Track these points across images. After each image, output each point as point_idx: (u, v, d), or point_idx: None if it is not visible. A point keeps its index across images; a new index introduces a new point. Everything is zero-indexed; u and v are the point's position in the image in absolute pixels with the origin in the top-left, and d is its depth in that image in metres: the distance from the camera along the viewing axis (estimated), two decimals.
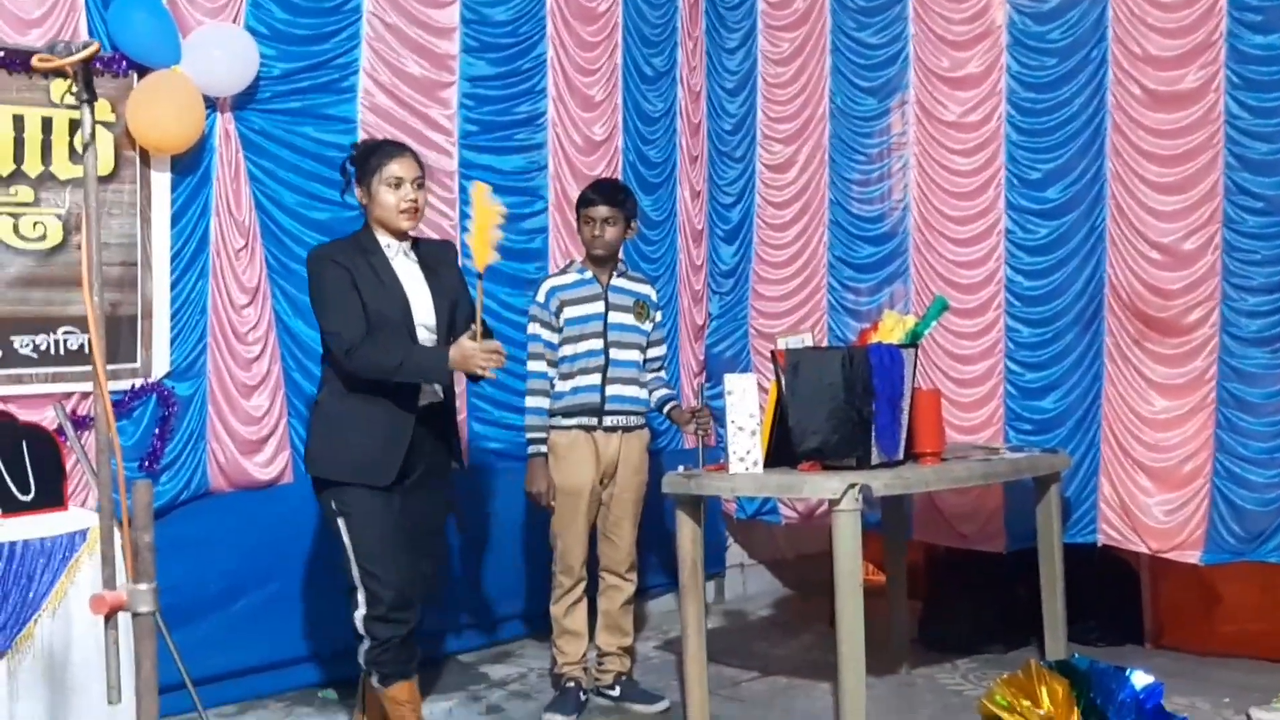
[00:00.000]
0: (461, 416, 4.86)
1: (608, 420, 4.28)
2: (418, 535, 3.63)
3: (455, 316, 3.63)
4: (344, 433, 3.52)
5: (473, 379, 3.56)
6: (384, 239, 3.59)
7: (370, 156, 3.59)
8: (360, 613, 3.50)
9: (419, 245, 3.69)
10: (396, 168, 3.54)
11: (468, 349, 3.38)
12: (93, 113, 2.26)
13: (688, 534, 4.01)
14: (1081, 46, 4.61)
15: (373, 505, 3.49)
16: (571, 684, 4.29)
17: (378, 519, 3.50)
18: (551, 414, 4.27)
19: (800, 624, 5.46)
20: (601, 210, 4.27)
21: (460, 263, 3.81)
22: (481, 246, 3.37)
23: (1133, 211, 4.48)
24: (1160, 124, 4.43)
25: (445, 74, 4.87)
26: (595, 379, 4.26)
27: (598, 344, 4.26)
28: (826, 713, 4.15)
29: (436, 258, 3.71)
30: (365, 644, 3.53)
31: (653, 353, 4.42)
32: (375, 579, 3.48)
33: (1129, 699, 3.10)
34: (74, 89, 2.25)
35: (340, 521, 3.52)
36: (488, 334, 3.42)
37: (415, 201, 3.56)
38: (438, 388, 3.61)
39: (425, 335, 3.59)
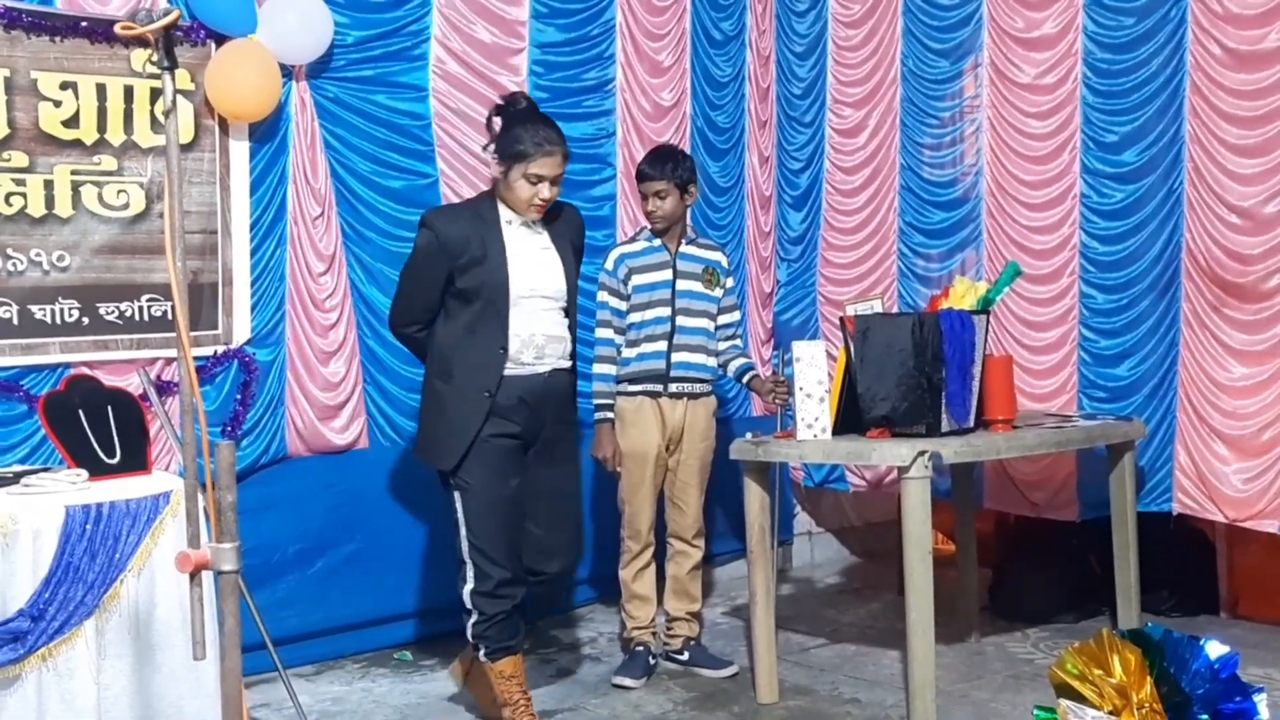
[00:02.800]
0: None
1: (673, 387, 4.30)
2: (549, 503, 3.70)
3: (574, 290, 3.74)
4: (438, 412, 3.63)
5: None
6: (506, 213, 3.61)
7: (521, 138, 3.55)
8: (468, 587, 3.56)
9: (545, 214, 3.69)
10: (541, 166, 3.53)
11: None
12: (174, 80, 2.30)
13: (756, 501, 4.02)
14: (1160, 5, 4.51)
15: (491, 479, 3.55)
16: (641, 648, 4.33)
17: (493, 493, 3.55)
18: (618, 380, 4.30)
19: (869, 591, 5.46)
20: (654, 184, 4.26)
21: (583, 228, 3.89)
22: None
23: (1211, 175, 4.39)
24: (1241, 85, 4.32)
25: (515, 40, 4.88)
26: (661, 346, 4.28)
27: (665, 311, 4.28)
28: (895, 679, 4.16)
29: (561, 225, 3.73)
30: (472, 618, 3.57)
31: (724, 319, 4.42)
32: (484, 555, 3.53)
33: (1203, 668, 3.05)
34: (155, 57, 2.29)
35: (455, 495, 3.58)
36: None
37: (547, 201, 3.58)
38: (565, 354, 3.71)
39: (546, 304, 3.64)
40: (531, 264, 3.62)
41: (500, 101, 3.72)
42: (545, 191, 3.55)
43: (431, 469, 3.70)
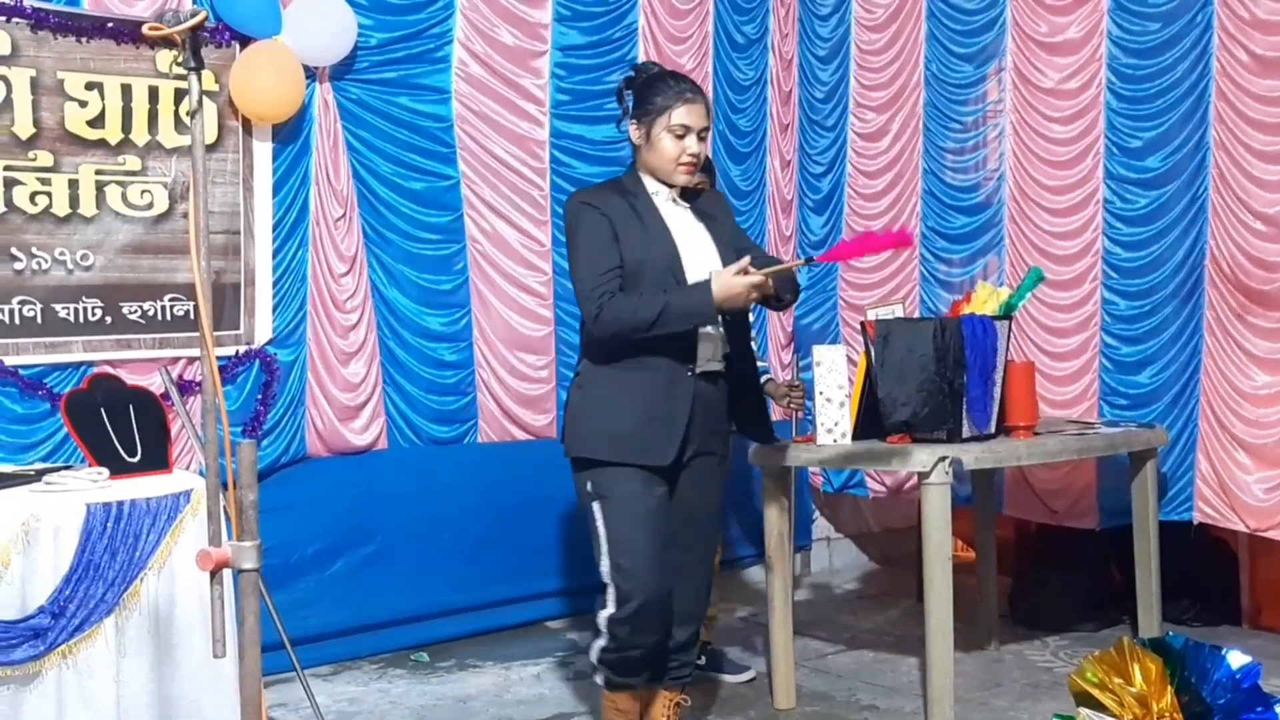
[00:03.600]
0: (551, 386, 4.93)
1: None
2: (690, 523, 3.25)
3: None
4: (608, 404, 3.14)
5: (765, 303, 3.21)
6: (651, 184, 3.22)
7: (656, 94, 3.17)
8: (606, 612, 3.14)
9: (687, 193, 3.30)
10: (685, 115, 3.13)
11: (728, 279, 2.99)
12: (200, 81, 2.31)
13: (775, 506, 4.01)
14: (1186, 10, 4.48)
15: (635, 489, 3.11)
16: None
17: (639, 505, 3.11)
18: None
19: (887, 598, 5.44)
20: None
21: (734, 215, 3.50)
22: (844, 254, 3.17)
23: (1236, 181, 4.36)
24: (1268, 90, 4.29)
25: (538, 43, 4.89)
26: None
27: None
28: (913, 686, 4.14)
29: (712, 205, 3.36)
30: (601, 641, 3.17)
31: None
32: (627, 575, 3.08)
33: (1225, 678, 3.03)
34: (181, 58, 2.30)
35: (595, 506, 3.14)
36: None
37: (697, 157, 3.18)
38: (717, 355, 3.22)
39: None
40: (690, 242, 3.21)
41: (629, 74, 3.32)
42: (693, 145, 3.15)
43: (575, 480, 3.24)
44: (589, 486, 3.16)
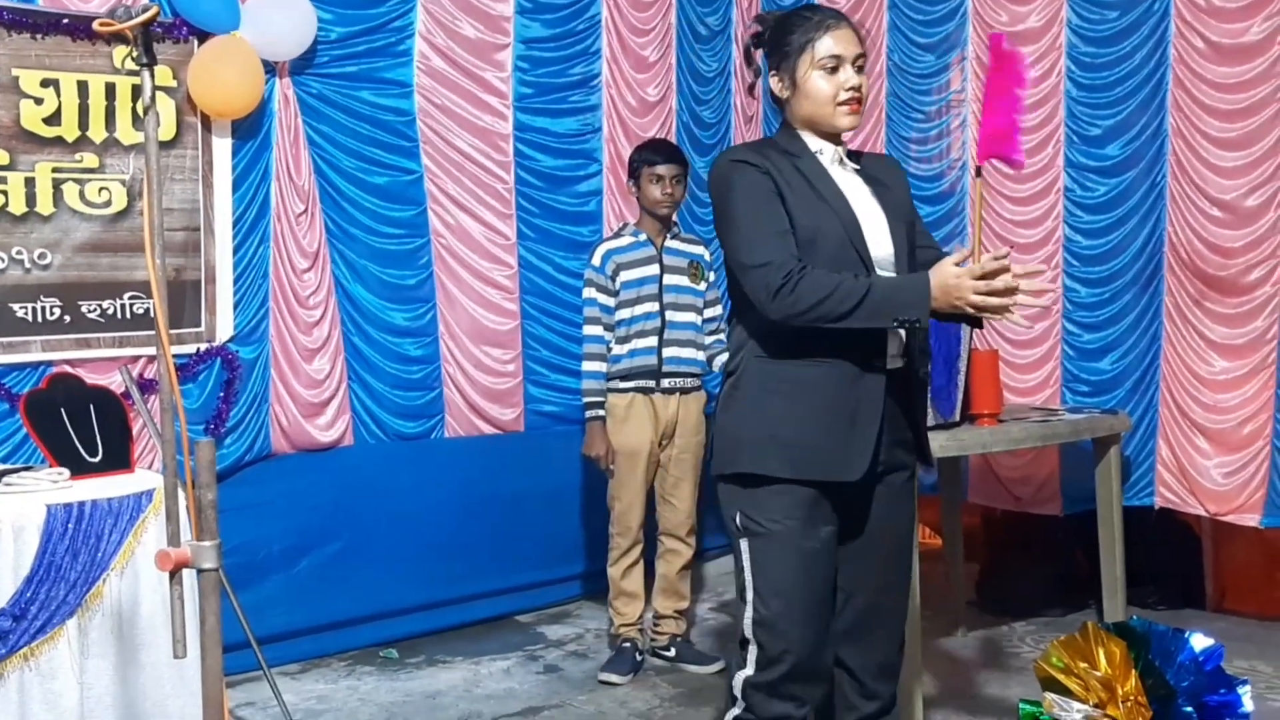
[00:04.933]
0: (518, 380, 4.92)
1: (665, 382, 4.30)
2: (878, 557, 2.66)
3: (913, 249, 2.69)
4: (777, 406, 2.53)
5: (970, 322, 2.65)
6: (814, 142, 2.64)
7: (791, 32, 2.61)
8: (743, 674, 2.56)
9: (854, 155, 2.73)
10: (832, 43, 2.56)
11: (951, 276, 2.39)
12: (153, 77, 2.28)
13: None
14: None
15: (797, 526, 2.52)
16: (628, 644, 4.33)
17: (801, 545, 2.52)
18: (609, 378, 4.29)
19: None
20: (669, 168, 4.27)
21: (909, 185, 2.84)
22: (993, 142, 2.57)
23: (1194, 168, 4.41)
24: (1223, 78, 4.34)
25: (500, 36, 4.87)
26: (652, 341, 4.27)
27: (654, 306, 4.28)
28: None
29: (883, 171, 2.75)
30: (735, 710, 2.60)
31: (710, 313, 4.42)
32: (775, 633, 2.52)
33: (1188, 661, 3.07)
34: (135, 53, 2.28)
35: (744, 543, 2.56)
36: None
37: (858, 90, 2.59)
38: (901, 349, 2.61)
39: (878, 272, 2.57)
40: (865, 214, 2.62)
41: (755, 28, 2.76)
42: (851, 77, 2.57)
43: (722, 508, 2.65)
44: (738, 518, 2.57)
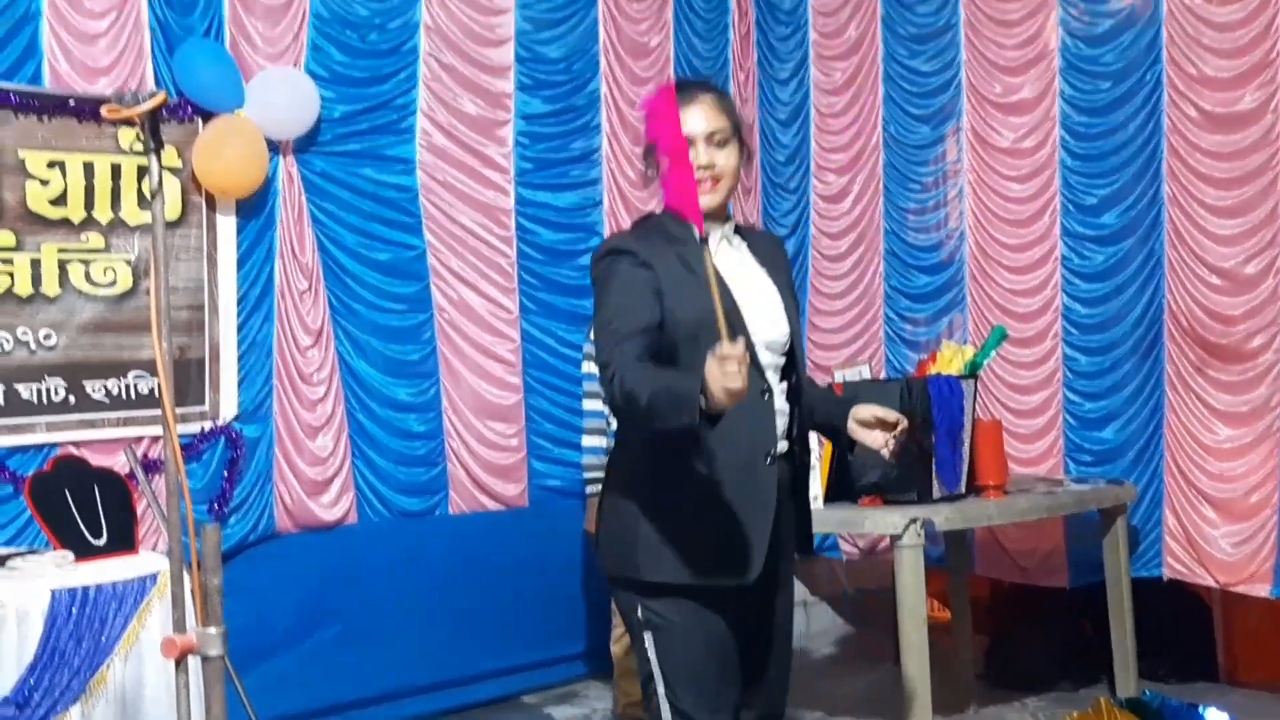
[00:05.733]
0: (522, 455, 4.91)
1: None
2: (771, 644, 2.63)
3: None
4: (664, 504, 2.44)
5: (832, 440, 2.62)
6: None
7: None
8: None
9: (741, 231, 2.62)
10: (686, 123, 2.41)
11: (710, 376, 2.13)
12: (160, 162, 2.30)
13: None
14: (1135, 69, 4.58)
15: (700, 615, 2.45)
16: None
17: (704, 634, 2.46)
18: (609, 452, 4.27)
19: (864, 661, 5.41)
20: None
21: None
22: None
23: (1191, 236, 4.43)
24: (1218, 146, 4.38)
25: (501, 112, 4.92)
26: None
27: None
28: None
29: (770, 249, 2.67)
30: None
31: None
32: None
33: None
34: (141, 138, 2.29)
35: (647, 637, 2.49)
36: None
37: (710, 168, 2.46)
38: (788, 433, 2.55)
39: (770, 359, 2.50)
40: (751, 297, 2.51)
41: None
42: (703, 154, 2.45)
43: (615, 599, 2.68)
44: (639, 612, 2.49)
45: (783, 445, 2.52)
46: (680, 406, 2.20)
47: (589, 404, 4.29)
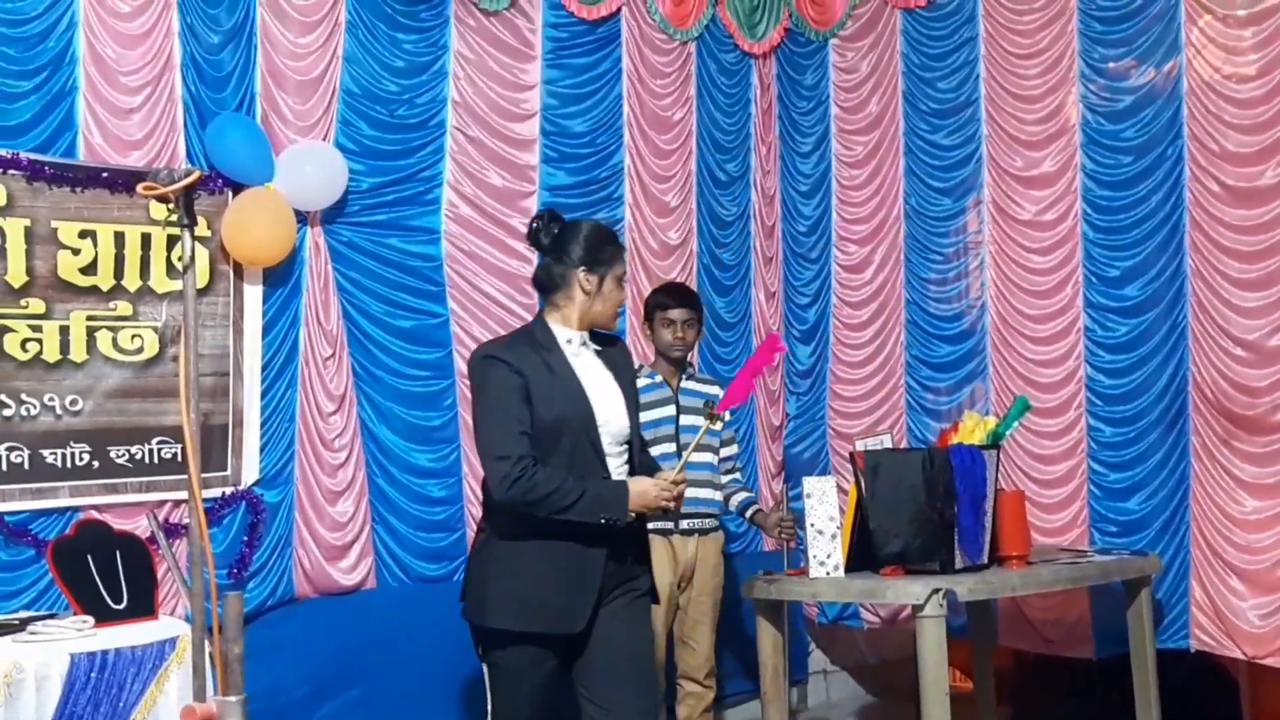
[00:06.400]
0: None
1: (684, 524, 4.28)
2: (609, 666, 3.14)
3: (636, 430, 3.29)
4: (513, 574, 3.07)
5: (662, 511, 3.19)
6: (564, 333, 3.19)
7: (605, 246, 3.22)
8: None
9: (595, 336, 3.28)
10: (624, 268, 3.26)
11: (645, 488, 3.06)
12: (193, 236, 2.35)
13: (769, 640, 3.97)
14: (1157, 144, 4.61)
15: (525, 665, 3.08)
16: None
17: (526, 682, 3.10)
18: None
19: None
20: (681, 313, 4.34)
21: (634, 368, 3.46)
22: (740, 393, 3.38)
23: (1215, 308, 4.43)
24: (1240, 220, 4.39)
25: (526, 184, 4.99)
26: None
27: (671, 447, 4.28)
28: None
29: (617, 353, 3.32)
30: None
31: (726, 452, 4.43)
32: None
33: None
34: (175, 212, 2.34)
35: (486, 670, 3.16)
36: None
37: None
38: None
39: (613, 447, 3.18)
40: (602, 397, 3.19)
41: (553, 221, 3.24)
42: (623, 295, 3.31)
43: (474, 644, 3.22)
44: (481, 650, 3.16)
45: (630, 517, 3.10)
46: (603, 509, 3.01)
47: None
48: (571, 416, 3.07)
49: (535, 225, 3.25)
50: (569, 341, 3.19)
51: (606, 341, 3.32)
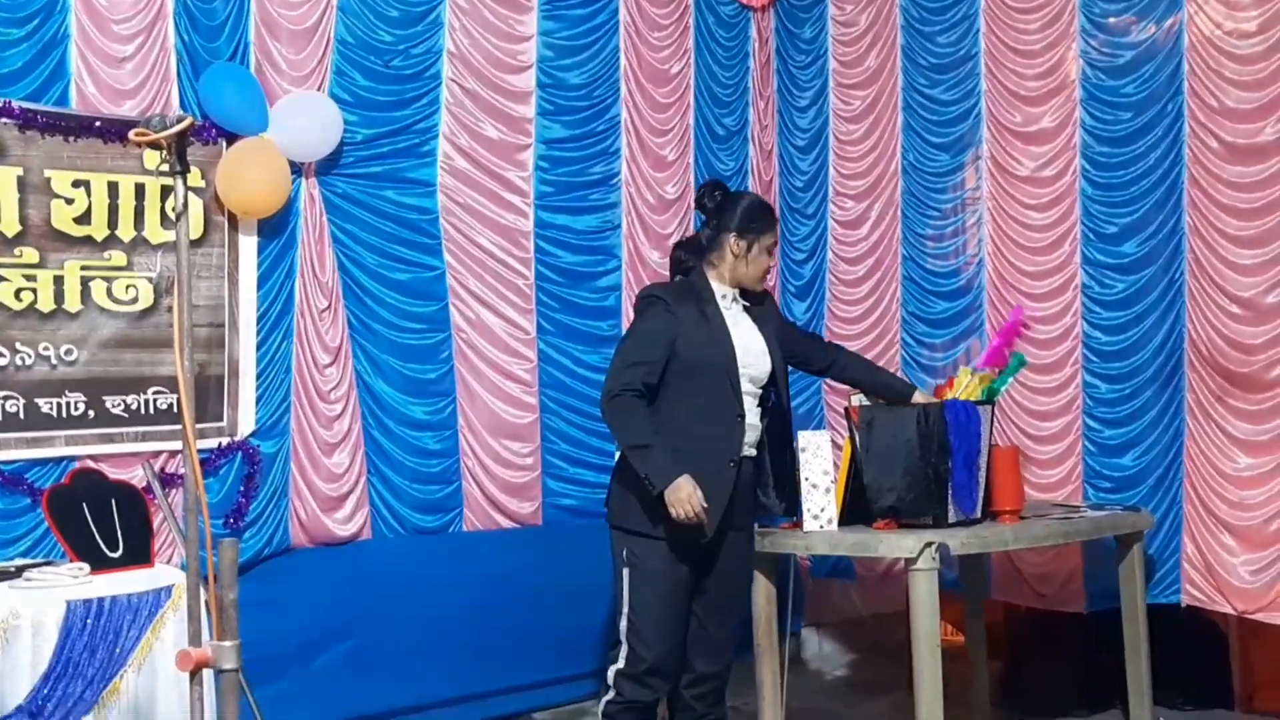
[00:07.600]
0: (536, 473, 4.93)
1: None
2: (719, 597, 3.64)
3: (792, 354, 3.83)
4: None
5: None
6: (719, 289, 3.67)
7: (757, 218, 3.69)
8: (616, 666, 3.57)
9: (745, 294, 3.74)
10: (773, 239, 3.72)
11: (682, 487, 3.39)
12: (185, 184, 2.34)
13: (763, 593, 4.00)
14: (1156, 100, 4.58)
15: (663, 567, 3.51)
16: None
17: (665, 579, 3.52)
18: None
19: (877, 686, 5.38)
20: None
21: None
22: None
23: (1212, 265, 4.42)
24: (1239, 177, 4.38)
25: (522, 137, 4.96)
26: None
27: None
28: None
29: (764, 313, 3.78)
30: (609, 695, 3.58)
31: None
32: (642, 639, 3.51)
33: None
34: (168, 160, 2.33)
35: (625, 572, 3.56)
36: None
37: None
38: (754, 442, 3.65)
39: (749, 387, 3.62)
40: (748, 345, 3.65)
41: (718, 189, 3.78)
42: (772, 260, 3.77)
43: (611, 538, 3.64)
44: (624, 553, 3.56)
45: (750, 451, 3.64)
46: (652, 471, 3.41)
47: None
48: (714, 358, 3.54)
49: (701, 192, 3.79)
50: (723, 296, 3.66)
51: (757, 299, 3.76)
